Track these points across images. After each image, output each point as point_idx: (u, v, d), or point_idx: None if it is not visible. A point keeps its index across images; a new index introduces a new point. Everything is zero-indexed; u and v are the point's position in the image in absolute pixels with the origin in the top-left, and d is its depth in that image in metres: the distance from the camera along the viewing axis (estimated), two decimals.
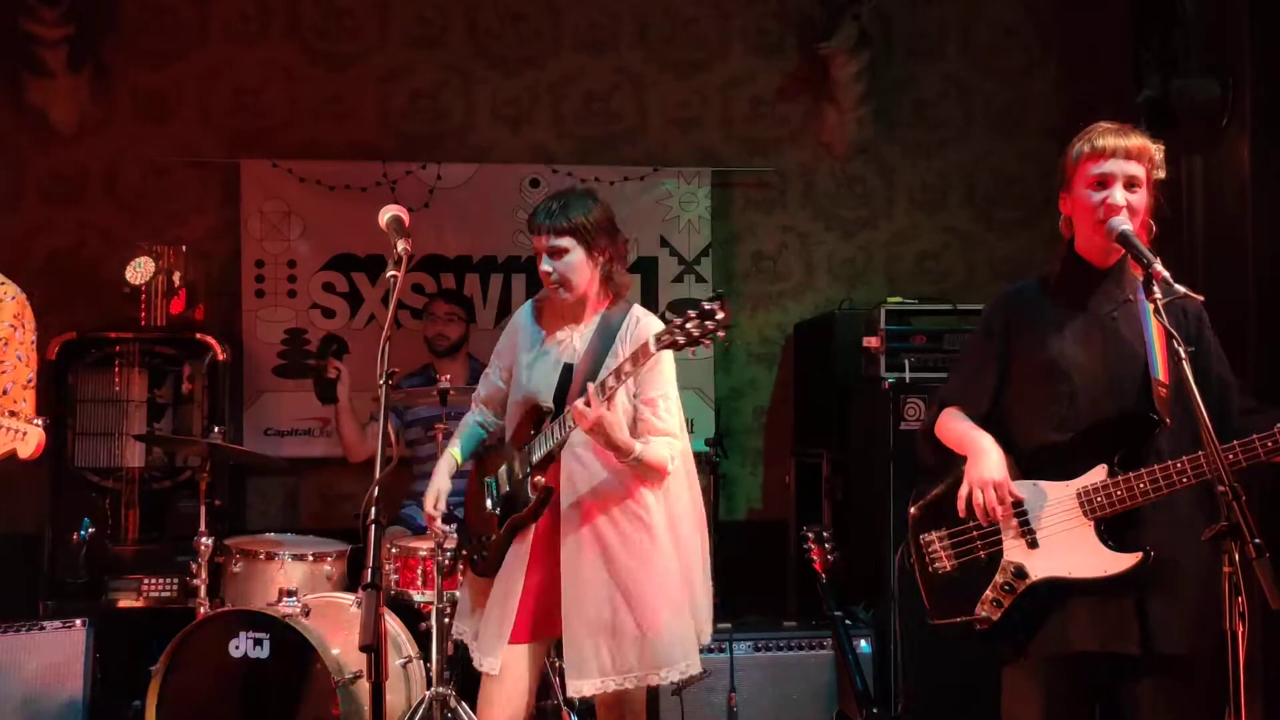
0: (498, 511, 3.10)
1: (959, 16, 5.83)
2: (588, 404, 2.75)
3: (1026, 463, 2.61)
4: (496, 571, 3.03)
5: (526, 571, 2.98)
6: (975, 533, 2.64)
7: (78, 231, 5.37)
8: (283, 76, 5.50)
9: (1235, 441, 2.36)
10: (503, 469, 3.11)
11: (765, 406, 5.75)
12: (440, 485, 3.15)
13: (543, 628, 3.01)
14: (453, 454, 3.22)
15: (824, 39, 5.44)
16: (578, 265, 2.97)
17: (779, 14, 5.73)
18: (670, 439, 2.96)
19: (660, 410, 2.95)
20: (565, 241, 2.95)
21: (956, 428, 2.69)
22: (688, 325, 2.60)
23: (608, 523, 2.93)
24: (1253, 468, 2.36)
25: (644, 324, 3.01)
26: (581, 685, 2.89)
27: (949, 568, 2.67)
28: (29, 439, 3.02)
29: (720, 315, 2.57)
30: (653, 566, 2.94)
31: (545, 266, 2.97)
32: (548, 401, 2.99)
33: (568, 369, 3.01)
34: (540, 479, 2.97)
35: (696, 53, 5.71)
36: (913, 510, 2.77)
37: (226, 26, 5.48)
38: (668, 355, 2.88)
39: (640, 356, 2.72)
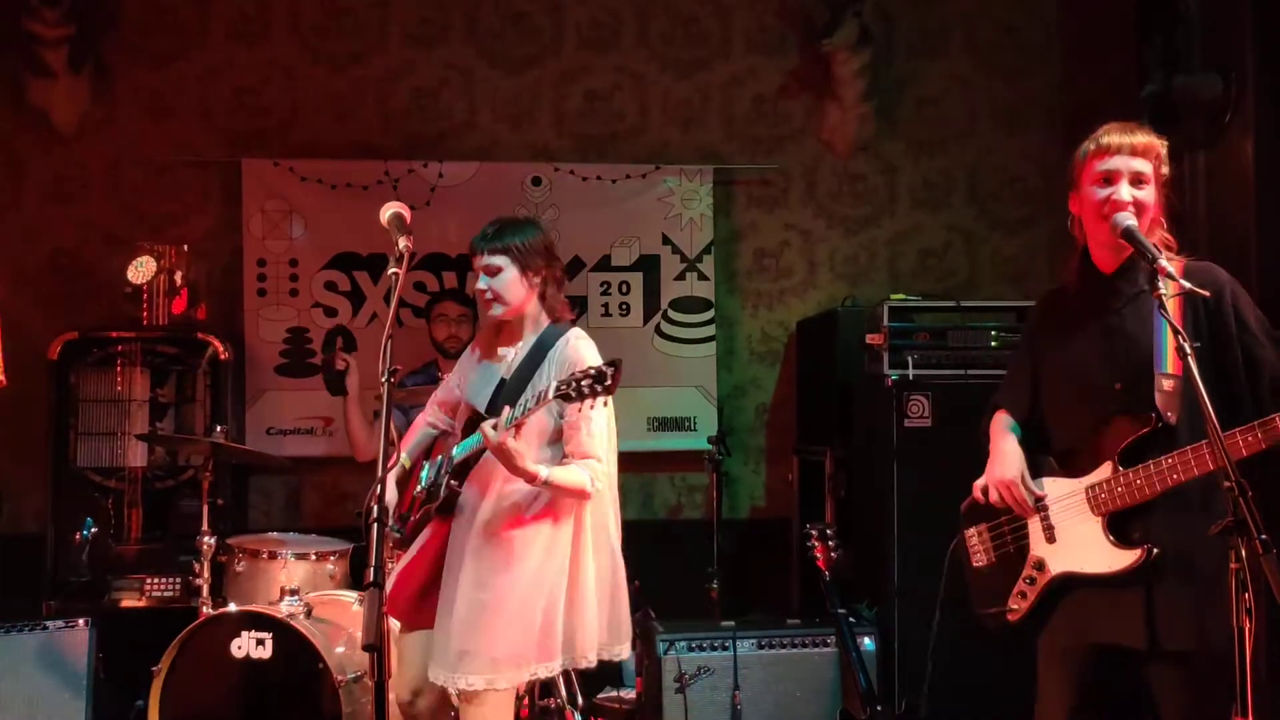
0: (421, 496, 3.27)
1: (961, 13, 5.82)
2: (494, 427, 2.86)
3: (1059, 461, 2.70)
4: (406, 548, 3.24)
5: (416, 555, 3.20)
6: (1007, 527, 2.75)
7: (79, 231, 5.37)
8: (284, 75, 5.50)
9: (1255, 421, 2.35)
10: (439, 459, 3.25)
11: (768, 404, 5.74)
12: (389, 497, 3.23)
13: (420, 618, 3.14)
14: (402, 463, 3.36)
15: (826, 36, 5.45)
16: (510, 283, 3.12)
17: (780, 11, 5.72)
18: (593, 461, 3.02)
19: (582, 433, 3.02)
20: (499, 260, 3.11)
21: (993, 431, 2.83)
22: (581, 382, 2.73)
23: (487, 538, 3.04)
24: (1276, 448, 2.34)
25: (573, 346, 3.11)
26: (438, 674, 3.00)
27: (987, 561, 2.79)
28: None
29: (609, 382, 2.72)
30: (512, 590, 2.99)
31: (480, 284, 3.13)
32: (482, 409, 3.14)
33: (502, 382, 3.16)
34: (454, 482, 3.12)
35: (698, 51, 5.70)
36: (962, 507, 2.89)
37: (227, 26, 5.48)
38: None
39: (544, 398, 2.81)
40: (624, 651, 3.16)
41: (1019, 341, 2.97)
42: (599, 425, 3.05)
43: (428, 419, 3.44)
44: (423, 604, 3.14)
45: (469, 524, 3.08)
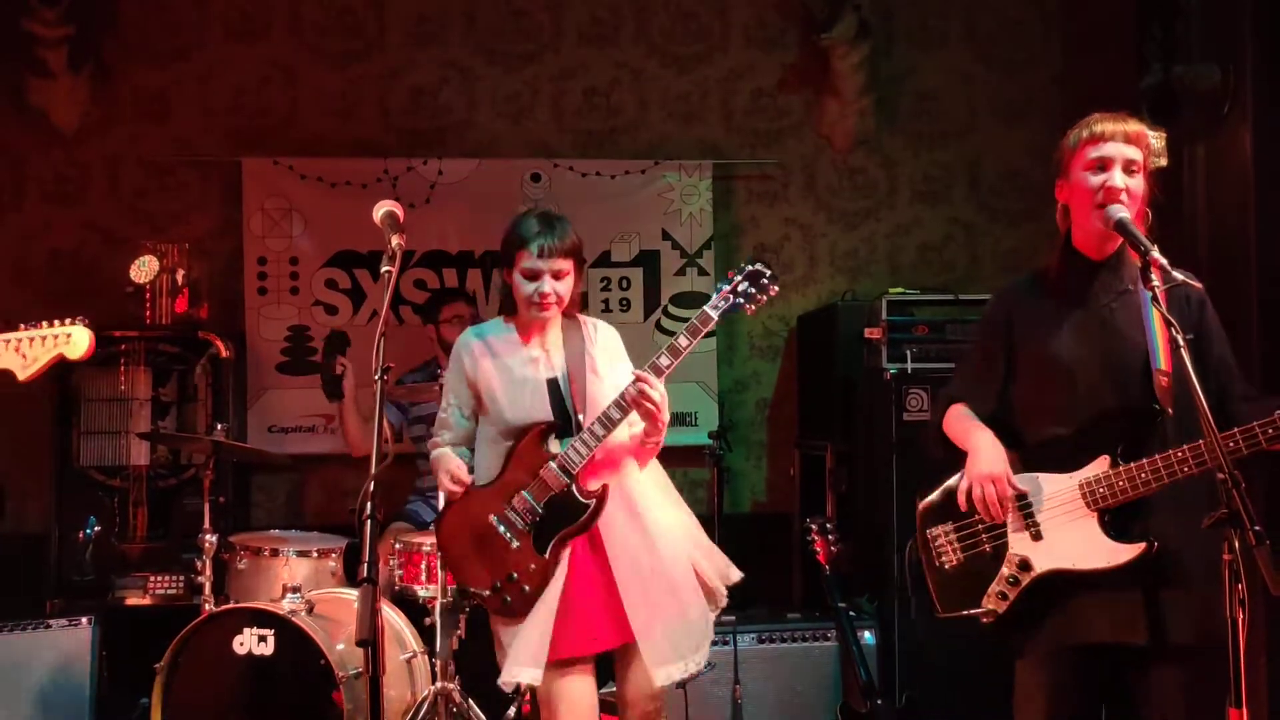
0: (531, 536, 2.98)
1: (961, 6, 5.82)
2: (650, 386, 2.87)
3: (1031, 457, 2.61)
4: (537, 600, 2.95)
5: (565, 583, 2.96)
6: (981, 526, 2.65)
7: (80, 231, 5.38)
8: (283, 74, 5.51)
9: (1236, 429, 2.36)
10: (519, 496, 2.99)
11: (769, 399, 5.74)
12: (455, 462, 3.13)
13: (588, 642, 3.00)
14: (459, 451, 3.17)
15: (825, 30, 5.43)
16: (571, 286, 3.08)
17: (779, 6, 5.72)
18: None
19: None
20: (568, 264, 3.04)
21: (960, 425, 2.70)
22: (739, 288, 2.93)
23: (645, 510, 3.03)
24: (1255, 455, 2.35)
25: (603, 330, 3.18)
26: (671, 671, 2.94)
27: (956, 562, 2.68)
28: (76, 340, 2.68)
29: (770, 273, 2.93)
30: (684, 541, 3.08)
31: (546, 288, 3.00)
32: (549, 417, 3.03)
33: (553, 384, 3.07)
34: (592, 485, 2.99)
35: (697, 45, 5.70)
36: (920, 506, 2.78)
37: (227, 25, 5.49)
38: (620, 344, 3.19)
39: (700, 328, 2.89)
40: (735, 573, 3.18)
41: (976, 333, 2.85)
42: None
43: (461, 452, 3.18)
44: (614, 619, 2.97)
45: (616, 518, 2.99)
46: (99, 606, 4.53)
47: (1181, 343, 2.24)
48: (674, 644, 2.95)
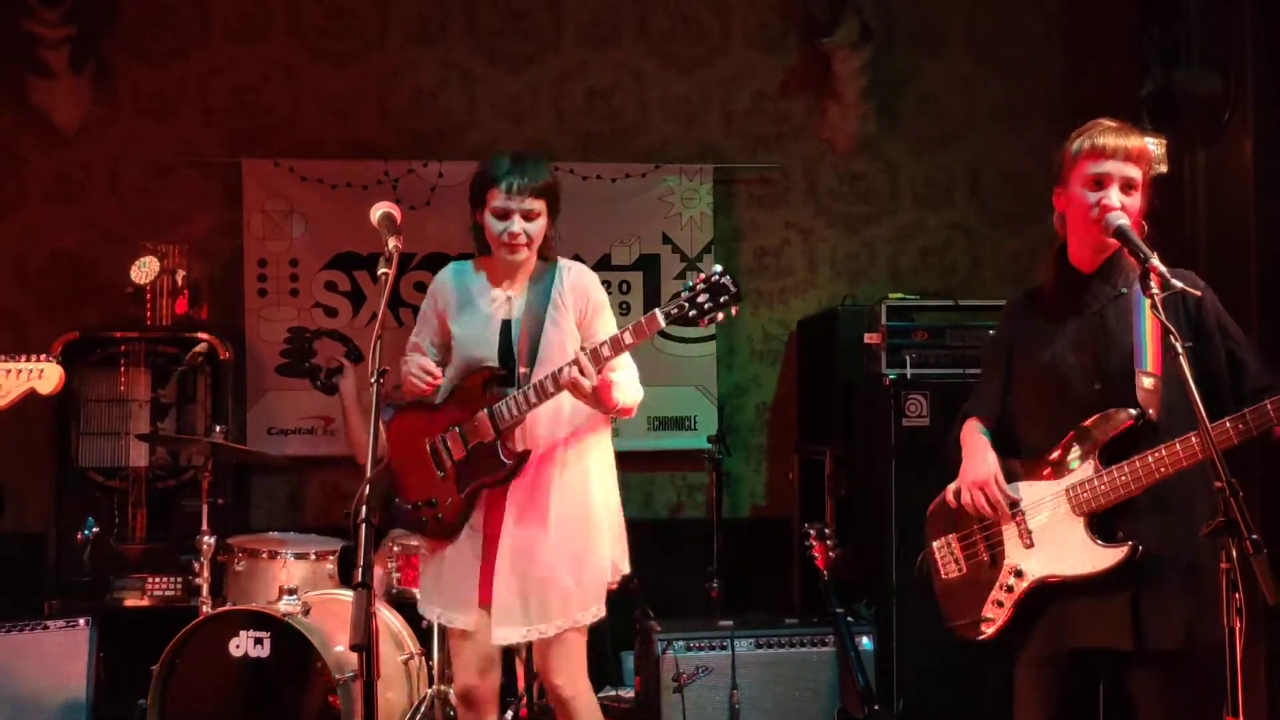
0: (455, 473, 3.02)
1: (962, 10, 5.81)
2: (583, 374, 2.80)
3: (1030, 465, 2.63)
4: (455, 535, 3.03)
5: (484, 535, 3.01)
6: (979, 535, 2.68)
7: (80, 231, 5.38)
8: (284, 75, 5.50)
9: (1246, 410, 2.34)
10: (453, 431, 3.02)
11: (768, 403, 5.74)
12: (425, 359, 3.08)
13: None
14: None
15: (826, 34, 5.43)
16: (543, 227, 3.02)
17: (781, 9, 5.71)
18: (632, 371, 3.06)
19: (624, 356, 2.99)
20: (539, 204, 2.99)
21: (964, 436, 2.77)
22: (699, 299, 2.74)
23: (556, 483, 3.00)
24: (1264, 437, 2.34)
25: (576, 271, 3.10)
26: (508, 634, 2.95)
27: (959, 572, 2.72)
28: (47, 376, 2.93)
29: (734, 290, 2.72)
30: (587, 521, 3.03)
31: (516, 227, 2.96)
32: (494, 362, 3.00)
33: (505, 325, 3.03)
34: (514, 444, 2.98)
35: (698, 48, 5.70)
36: (927, 517, 2.83)
37: (227, 25, 5.49)
38: (606, 299, 3.11)
39: (646, 330, 2.77)
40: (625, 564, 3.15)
41: (990, 346, 2.90)
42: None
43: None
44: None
45: (532, 477, 2.99)
46: (97, 607, 4.53)
47: (1180, 350, 2.23)
48: (525, 609, 2.95)
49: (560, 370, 2.84)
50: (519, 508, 2.99)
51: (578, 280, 3.08)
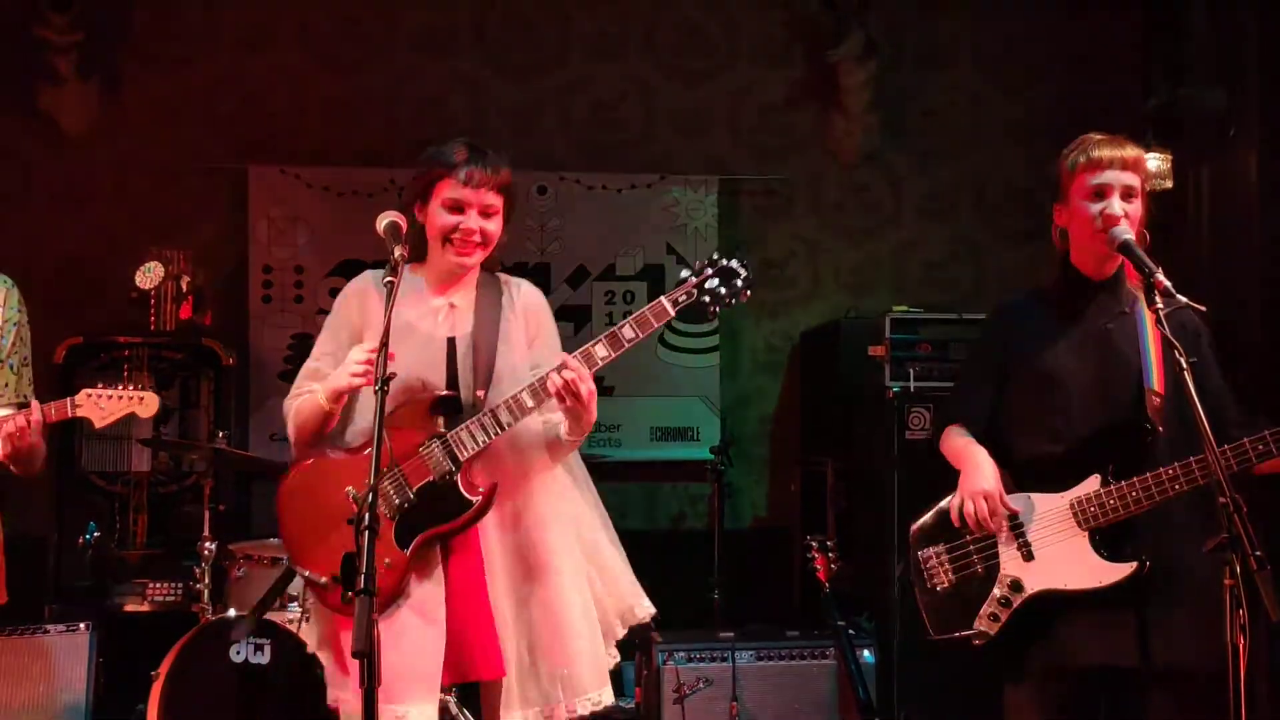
0: (395, 525, 2.47)
1: (968, 26, 5.83)
2: (581, 379, 2.37)
3: (1022, 475, 2.61)
4: (393, 604, 2.47)
5: (447, 596, 2.49)
6: (973, 546, 2.64)
7: (86, 236, 5.39)
8: (291, 83, 5.52)
9: (1227, 445, 2.35)
10: (393, 472, 2.47)
11: (771, 415, 5.74)
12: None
13: (460, 669, 2.54)
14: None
15: (832, 47, 5.47)
16: (500, 227, 2.59)
17: (787, 22, 5.73)
18: None
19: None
20: (499, 201, 2.56)
21: (954, 444, 2.71)
22: (707, 284, 2.43)
23: (541, 521, 2.56)
24: (1244, 472, 2.35)
25: (528, 290, 2.67)
26: (526, 716, 2.51)
27: (948, 583, 2.67)
28: (147, 403, 3.18)
29: (747, 274, 2.43)
30: (575, 579, 2.57)
31: (472, 223, 2.52)
32: (441, 385, 2.52)
33: (451, 345, 2.55)
34: (478, 480, 2.48)
35: (704, 61, 5.72)
36: (913, 528, 2.77)
37: (235, 33, 5.51)
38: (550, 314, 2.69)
39: (653, 322, 2.42)
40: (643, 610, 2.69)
41: (972, 351, 2.84)
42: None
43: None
44: (467, 650, 2.51)
45: (498, 525, 2.53)
46: (97, 612, 4.51)
47: (1185, 365, 2.23)
48: (542, 690, 2.51)
49: (546, 378, 2.40)
50: (507, 554, 2.53)
51: (531, 301, 2.65)
